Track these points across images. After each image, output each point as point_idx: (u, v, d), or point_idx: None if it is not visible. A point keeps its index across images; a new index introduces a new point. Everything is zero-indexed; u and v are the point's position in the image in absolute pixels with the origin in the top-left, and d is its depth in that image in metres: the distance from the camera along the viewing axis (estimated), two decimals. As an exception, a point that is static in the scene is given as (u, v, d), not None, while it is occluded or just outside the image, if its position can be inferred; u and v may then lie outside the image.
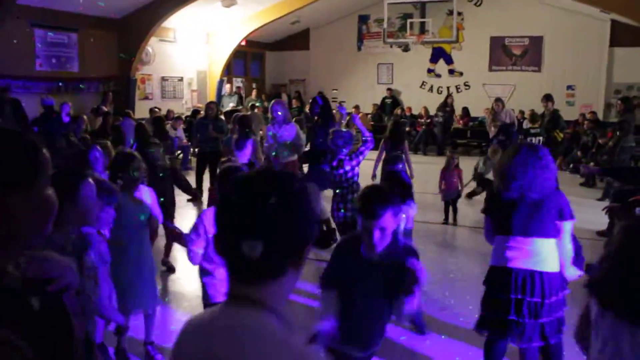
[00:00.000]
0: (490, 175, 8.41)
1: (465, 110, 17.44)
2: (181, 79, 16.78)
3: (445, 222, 8.45)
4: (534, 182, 3.26)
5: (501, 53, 18.14)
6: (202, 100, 16.41)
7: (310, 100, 7.68)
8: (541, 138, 9.38)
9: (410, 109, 18.05)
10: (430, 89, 19.23)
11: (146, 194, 4.34)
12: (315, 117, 7.37)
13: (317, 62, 20.41)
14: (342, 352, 2.90)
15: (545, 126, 9.85)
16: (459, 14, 17.12)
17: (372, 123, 17.06)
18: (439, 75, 19.16)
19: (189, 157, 13.48)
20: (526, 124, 12.95)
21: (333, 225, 7.14)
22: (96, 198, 2.75)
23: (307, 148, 7.84)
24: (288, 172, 1.39)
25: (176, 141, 12.01)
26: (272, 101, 8.05)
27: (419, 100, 18.58)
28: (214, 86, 17.49)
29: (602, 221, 6.70)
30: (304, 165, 8.77)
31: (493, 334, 3.52)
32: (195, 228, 3.57)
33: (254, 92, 17.98)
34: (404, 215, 4.38)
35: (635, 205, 3.77)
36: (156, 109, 13.44)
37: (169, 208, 5.72)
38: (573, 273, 3.43)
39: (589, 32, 16.76)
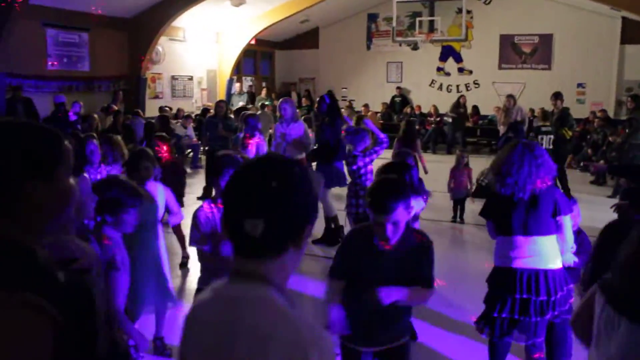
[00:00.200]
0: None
1: (475, 108, 17.41)
2: (191, 78, 16.87)
3: (454, 220, 8.47)
4: (528, 180, 3.31)
5: (511, 51, 18.07)
6: (212, 99, 16.50)
7: (318, 99, 7.72)
8: (552, 136, 9.36)
9: (419, 107, 18.02)
10: (440, 88, 19.19)
11: (160, 193, 4.39)
12: (323, 116, 7.40)
13: (327, 60, 20.43)
14: (354, 348, 2.89)
15: (554, 124, 9.82)
16: (468, 12, 17.09)
17: (381, 122, 17.05)
18: (448, 74, 19.12)
19: (199, 156, 13.56)
20: (536, 122, 12.91)
21: (341, 222, 7.19)
22: (91, 191, 2.79)
23: (315, 146, 7.87)
24: (289, 157, 1.46)
25: (179, 138, 12.08)
26: (280, 99, 8.11)
27: (428, 98, 18.54)
28: (223, 85, 17.57)
29: (612, 219, 6.67)
30: (312, 164, 8.80)
31: (498, 333, 3.51)
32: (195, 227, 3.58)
33: (263, 91, 18.04)
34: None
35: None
36: (166, 108, 13.54)
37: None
38: (569, 259, 3.48)
39: (599, 29, 16.65)
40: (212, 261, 3.49)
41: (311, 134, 8.07)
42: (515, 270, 3.39)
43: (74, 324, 1.15)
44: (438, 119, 17.03)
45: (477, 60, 18.51)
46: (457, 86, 18.83)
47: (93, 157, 4.96)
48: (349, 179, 6.29)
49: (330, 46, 20.37)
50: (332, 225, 7.24)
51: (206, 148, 10.57)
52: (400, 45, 18.61)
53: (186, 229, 4.71)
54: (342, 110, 12.01)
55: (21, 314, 1.08)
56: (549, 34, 17.44)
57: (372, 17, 19.77)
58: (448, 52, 18.97)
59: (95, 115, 10.86)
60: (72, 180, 1.30)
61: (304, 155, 7.46)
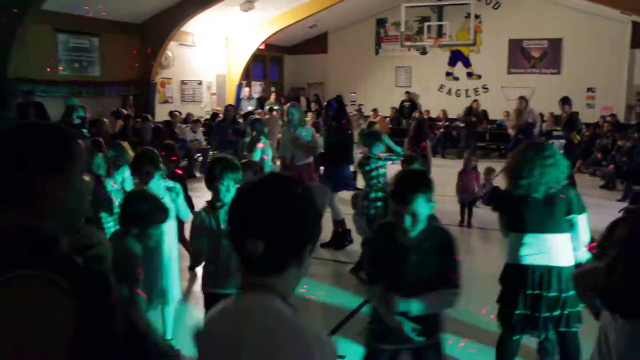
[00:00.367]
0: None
1: (484, 113, 17.36)
2: (200, 83, 16.96)
3: (462, 224, 8.45)
4: (540, 180, 3.33)
5: (519, 55, 18.02)
6: (221, 103, 16.57)
7: (325, 104, 7.75)
8: (563, 140, 9.37)
9: (428, 112, 17.98)
10: (449, 92, 19.18)
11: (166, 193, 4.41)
12: (330, 120, 7.43)
13: (336, 65, 20.47)
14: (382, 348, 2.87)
15: (562, 128, 9.82)
16: (477, 17, 17.07)
17: (390, 126, 17.04)
18: (457, 78, 19.10)
19: (208, 160, 13.60)
20: (545, 127, 12.87)
21: (348, 226, 7.20)
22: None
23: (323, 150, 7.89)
24: (291, 176, 1.51)
25: (184, 142, 12.21)
26: (288, 104, 8.14)
27: (437, 103, 18.55)
28: (233, 90, 17.64)
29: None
30: (320, 168, 8.82)
31: (516, 330, 3.52)
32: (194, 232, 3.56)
33: (272, 96, 18.10)
34: None
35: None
36: (176, 113, 13.62)
37: None
38: (582, 256, 3.50)
39: (609, 33, 16.56)
40: (213, 265, 3.50)
41: (318, 136, 8.09)
42: (527, 267, 3.42)
43: (92, 303, 1.22)
44: (447, 123, 17.00)
45: (485, 64, 18.48)
46: (466, 91, 18.80)
47: (99, 171, 4.96)
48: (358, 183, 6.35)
49: (339, 51, 20.42)
50: (340, 229, 7.25)
51: (215, 152, 10.63)
52: (409, 50, 18.62)
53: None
54: (351, 114, 12.00)
55: (44, 287, 1.17)
56: (558, 38, 17.38)
57: (381, 22, 19.81)
58: (457, 57, 18.97)
59: (105, 120, 10.93)
60: (86, 177, 1.41)
61: (311, 159, 7.49)
